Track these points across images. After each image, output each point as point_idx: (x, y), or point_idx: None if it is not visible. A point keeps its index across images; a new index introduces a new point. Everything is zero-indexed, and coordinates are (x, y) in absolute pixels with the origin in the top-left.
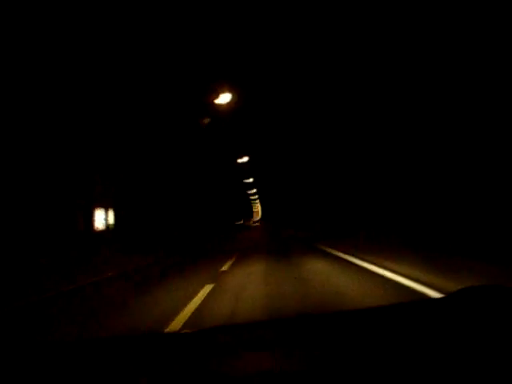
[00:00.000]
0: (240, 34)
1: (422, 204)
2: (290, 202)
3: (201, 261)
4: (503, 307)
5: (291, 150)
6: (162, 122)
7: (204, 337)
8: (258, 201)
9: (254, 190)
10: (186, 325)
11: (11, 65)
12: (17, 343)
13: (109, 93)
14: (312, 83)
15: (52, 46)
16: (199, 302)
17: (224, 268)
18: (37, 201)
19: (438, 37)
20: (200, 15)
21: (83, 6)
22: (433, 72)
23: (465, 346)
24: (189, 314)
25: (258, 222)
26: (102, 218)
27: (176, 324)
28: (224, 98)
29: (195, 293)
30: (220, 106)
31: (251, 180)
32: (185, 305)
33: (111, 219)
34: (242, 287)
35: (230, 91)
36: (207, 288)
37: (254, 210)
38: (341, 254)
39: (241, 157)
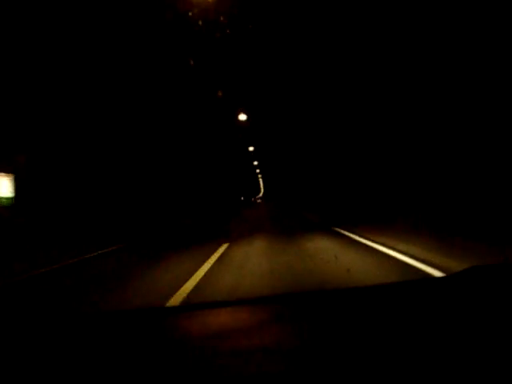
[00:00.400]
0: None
1: (433, 188)
2: (296, 181)
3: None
4: (509, 286)
5: (297, 133)
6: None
7: (205, 311)
8: (259, 177)
9: (256, 163)
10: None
11: None
12: None
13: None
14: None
15: None
16: None
17: None
18: None
19: (438, 36)
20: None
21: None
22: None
23: (469, 324)
24: None
25: (260, 198)
26: None
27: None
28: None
29: None
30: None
31: (251, 148)
32: None
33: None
34: None
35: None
36: None
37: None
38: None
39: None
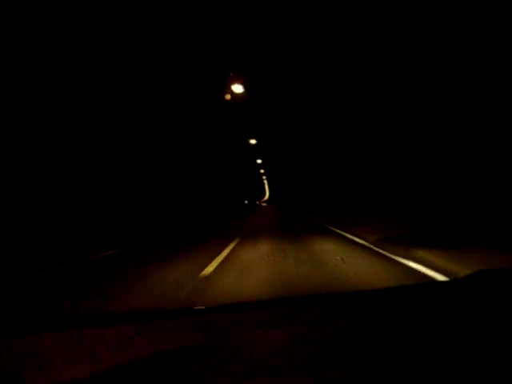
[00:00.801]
0: (252, 31)
1: (433, 193)
2: (299, 185)
3: None
4: None
5: (300, 138)
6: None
7: (215, 313)
8: (265, 181)
9: (262, 171)
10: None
11: None
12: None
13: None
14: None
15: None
16: None
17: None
18: None
19: (439, 37)
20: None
21: None
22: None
23: (478, 328)
24: None
25: (265, 202)
26: None
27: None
28: (237, 89)
29: None
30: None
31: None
32: None
33: None
34: None
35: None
36: None
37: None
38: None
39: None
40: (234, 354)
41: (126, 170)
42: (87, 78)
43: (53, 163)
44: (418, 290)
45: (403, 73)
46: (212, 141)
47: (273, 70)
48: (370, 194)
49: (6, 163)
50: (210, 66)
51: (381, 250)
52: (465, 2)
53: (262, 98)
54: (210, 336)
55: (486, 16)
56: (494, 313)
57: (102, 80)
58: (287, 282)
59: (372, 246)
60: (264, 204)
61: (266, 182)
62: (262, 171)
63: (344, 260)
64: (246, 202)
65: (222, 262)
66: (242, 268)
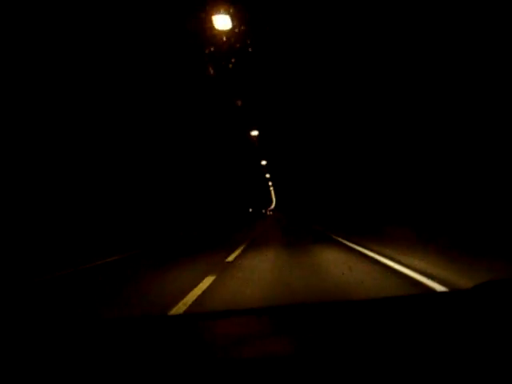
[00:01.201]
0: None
1: (441, 202)
2: (307, 193)
3: None
4: None
5: (308, 145)
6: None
7: (207, 320)
8: (271, 189)
9: (268, 176)
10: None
11: None
12: None
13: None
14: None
15: None
16: None
17: None
18: None
19: (440, 37)
20: None
21: None
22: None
23: (486, 339)
24: None
25: (271, 211)
26: None
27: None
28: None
29: None
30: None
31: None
32: None
33: None
34: None
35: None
36: None
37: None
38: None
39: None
40: (234, 358)
41: (123, 176)
42: (88, 79)
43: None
44: (425, 300)
45: (420, 78)
46: (214, 140)
47: (281, 79)
48: (386, 201)
49: (6, 164)
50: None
51: None
52: (465, 2)
53: (270, 101)
54: (212, 340)
55: (486, 16)
56: (504, 324)
57: (102, 81)
58: None
59: None
60: (270, 213)
61: (272, 189)
62: (267, 176)
63: None
64: (250, 210)
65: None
66: None
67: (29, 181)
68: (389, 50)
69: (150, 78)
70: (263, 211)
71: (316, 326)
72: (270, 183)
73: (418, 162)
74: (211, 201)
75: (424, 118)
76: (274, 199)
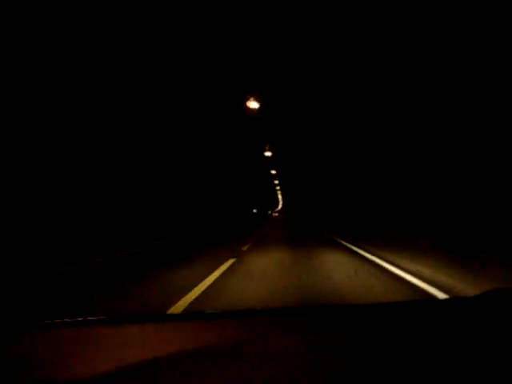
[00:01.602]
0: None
1: (448, 206)
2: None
3: None
4: None
5: (316, 149)
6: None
7: (206, 320)
8: (279, 192)
9: (276, 182)
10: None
11: None
12: None
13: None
14: (339, 76)
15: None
16: None
17: None
18: None
19: (442, 39)
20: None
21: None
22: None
23: (493, 347)
24: None
25: (277, 212)
26: None
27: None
28: (253, 105)
29: None
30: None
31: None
32: None
33: None
34: None
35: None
36: None
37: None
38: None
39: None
40: (237, 359)
41: (128, 176)
42: (94, 82)
43: (54, 168)
44: (432, 307)
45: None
46: (221, 147)
47: (287, 80)
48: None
49: (6, 166)
50: (226, 75)
51: None
52: (465, 2)
53: (277, 107)
54: (213, 341)
55: (486, 16)
56: (508, 333)
57: (114, 85)
58: None
59: None
60: (276, 214)
61: (279, 192)
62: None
63: None
64: (254, 210)
65: None
66: None
67: (34, 180)
68: (396, 61)
69: (166, 78)
70: (269, 212)
71: (316, 327)
72: (278, 187)
73: (430, 169)
74: (207, 200)
75: (432, 127)
76: (280, 202)
